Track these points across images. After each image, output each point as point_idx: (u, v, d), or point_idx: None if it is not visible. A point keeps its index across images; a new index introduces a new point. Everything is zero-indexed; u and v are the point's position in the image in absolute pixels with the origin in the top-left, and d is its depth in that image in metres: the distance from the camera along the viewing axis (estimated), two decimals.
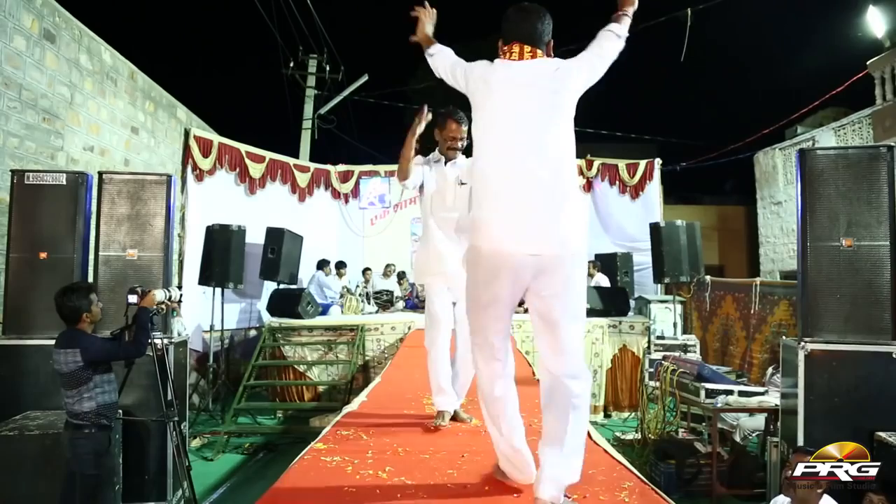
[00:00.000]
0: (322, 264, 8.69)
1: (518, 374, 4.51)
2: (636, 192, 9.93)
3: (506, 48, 2.06)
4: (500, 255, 1.92)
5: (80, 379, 2.97)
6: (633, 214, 9.84)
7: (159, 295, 3.34)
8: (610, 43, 2.03)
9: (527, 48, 2.02)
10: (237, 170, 8.51)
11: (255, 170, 8.78)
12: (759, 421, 4.90)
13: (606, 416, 6.84)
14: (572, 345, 1.93)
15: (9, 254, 4.03)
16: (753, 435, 5.02)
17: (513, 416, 2.07)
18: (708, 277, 8.24)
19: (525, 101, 1.95)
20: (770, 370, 5.04)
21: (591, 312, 6.85)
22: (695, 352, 6.77)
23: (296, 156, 10.66)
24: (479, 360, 2.11)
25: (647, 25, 8.70)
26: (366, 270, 9.27)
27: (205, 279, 7.02)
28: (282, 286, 7.64)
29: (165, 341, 3.80)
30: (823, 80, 10.91)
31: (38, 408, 3.74)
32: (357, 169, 10.43)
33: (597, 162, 10.38)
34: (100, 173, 4.34)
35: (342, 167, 10.43)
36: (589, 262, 8.90)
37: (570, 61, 2.01)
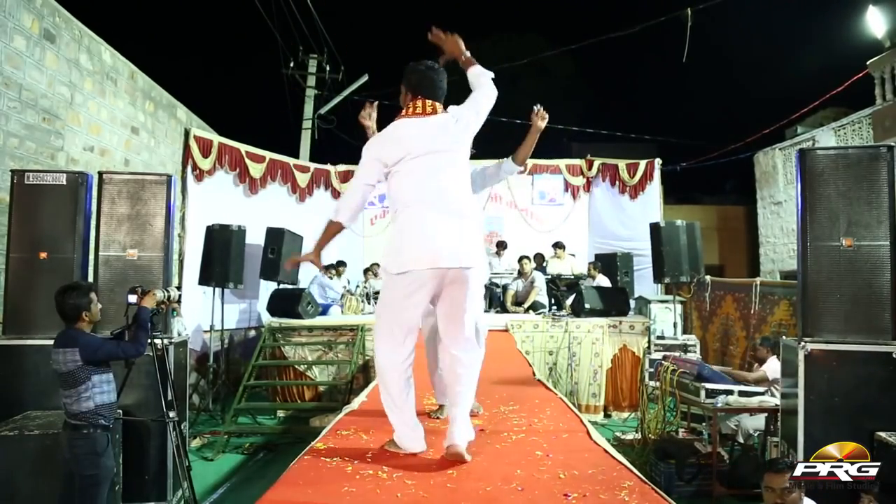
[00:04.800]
0: (328, 267, 8.71)
1: (518, 374, 4.50)
2: (636, 192, 9.92)
3: (411, 103, 2.46)
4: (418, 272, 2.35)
5: (78, 378, 2.96)
6: (633, 214, 9.84)
7: (158, 295, 3.35)
8: (487, 81, 2.52)
9: (428, 103, 2.44)
10: (237, 170, 8.50)
11: (255, 170, 8.78)
12: (758, 420, 4.90)
13: (606, 416, 6.83)
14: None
15: (9, 254, 4.03)
16: (755, 434, 5.02)
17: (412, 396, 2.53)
18: (708, 277, 8.24)
19: (433, 151, 2.37)
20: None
21: (591, 312, 6.86)
22: (695, 352, 6.77)
23: (296, 156, 10.66)
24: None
25: (647, 25, 8.72)
26: (367, 270, 9.28)
27: (205, 279, 7.02)
28: (282, 286, 7.64)
29: (165, 341, 3.79)
30: (823, 80, 10.90)
31: (38, 408, 3.74)
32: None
33: (597, 162, 10.39)
34: (100, 173, 4.33)
35: (342, 167, 10.44)
36: (589, 262, 8.93)
37: (461, 109, 2.47)
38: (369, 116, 2.90)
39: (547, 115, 2.92)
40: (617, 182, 10.10)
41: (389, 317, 2.46)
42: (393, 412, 2.49)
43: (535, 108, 2.90)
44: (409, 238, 2.36)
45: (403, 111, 2.48)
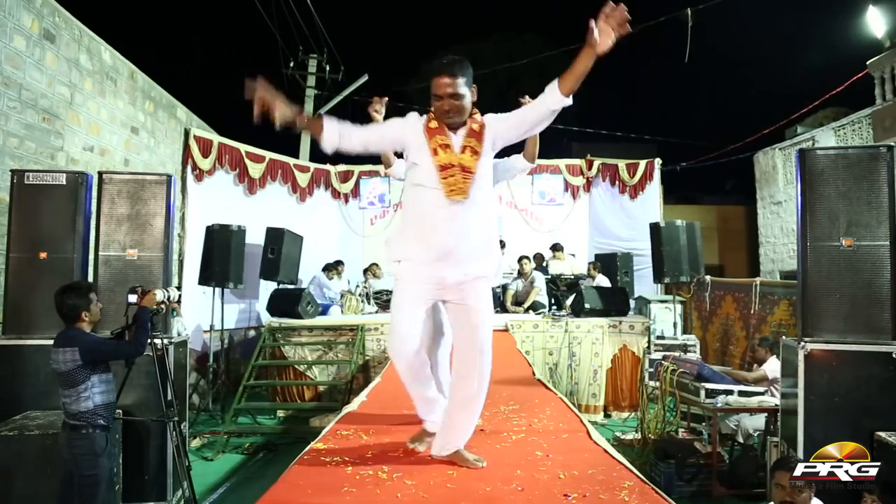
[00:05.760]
0: (327, 267, 8.72)
1: (518, 374, 4.51)
2: (636, 191, 9.92)
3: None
4: None
5: (78, 378, 2.96)
6: (633, 214, 9.84)
7: (158, 295, 3.35)
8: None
9: None
10: (237, 170, 8.50)
11: (255, 170, 8.77)
12: (758, 420, 4.90)
13: (606, 416, 6.83)
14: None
15: (9, 254, 4.03)
16: (755, 434, 5.02)
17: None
18: (708, 277, 8.24)
19: None
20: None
21: (591, 312, 6.85)
22: (695, 352, 6.77)
23: (296, 156, 10.65)
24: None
25: (647, 25, 8.72)
26: (366, 270, 9.27)
27: (205, 279, 7.02)
28: (282, 286, 7.64)
29: (165, 341, 3.79)
30: (823, 80, 10.92)
31: (38, 408, 3.74)
32: (357, 169, 10.43)
33: (597, 162, 10.39)
34: (100, 173, 4.33)
35: (342, 167, 10.43)
36: (589, 262, 8.93)
37: None
38: (378, 111, 2.86)
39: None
40: (617, 182, 10.10)
41: None
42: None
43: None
44: None
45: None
